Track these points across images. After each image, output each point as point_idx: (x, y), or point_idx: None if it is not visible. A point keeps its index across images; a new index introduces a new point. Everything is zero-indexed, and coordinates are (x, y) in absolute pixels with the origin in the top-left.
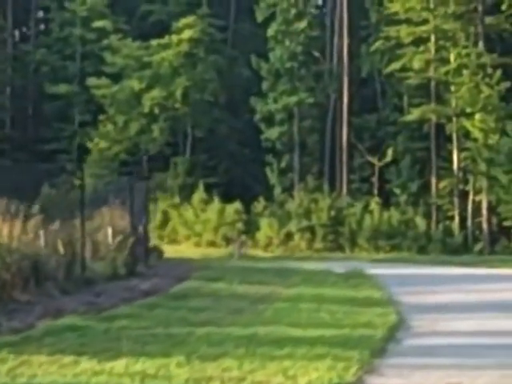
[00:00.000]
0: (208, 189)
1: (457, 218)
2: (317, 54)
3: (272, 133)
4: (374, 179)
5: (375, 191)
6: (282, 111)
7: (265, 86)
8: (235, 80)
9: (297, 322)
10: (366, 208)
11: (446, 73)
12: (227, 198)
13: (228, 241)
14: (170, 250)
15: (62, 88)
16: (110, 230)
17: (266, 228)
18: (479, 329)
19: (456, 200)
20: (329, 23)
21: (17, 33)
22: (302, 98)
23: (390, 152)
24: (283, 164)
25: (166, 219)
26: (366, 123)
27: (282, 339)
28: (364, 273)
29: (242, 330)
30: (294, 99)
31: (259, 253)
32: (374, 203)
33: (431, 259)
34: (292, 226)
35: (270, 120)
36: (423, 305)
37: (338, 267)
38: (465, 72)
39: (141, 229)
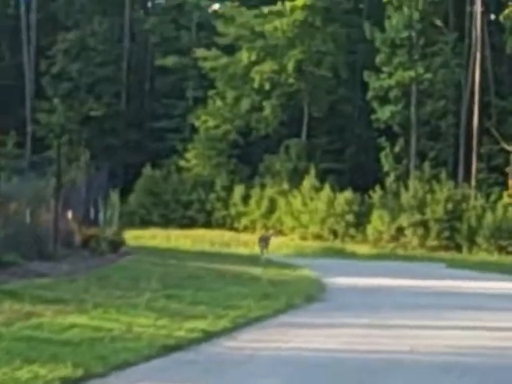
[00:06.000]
0: (323, 175)
1: None
2: (439, 22)
3: (384, 112)
4: (509, 169)
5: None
6: (397, 87)
7: (378, 58)
8: (359, 53)
9: None
10: (495, 202)
11: None
12: (345, 186)
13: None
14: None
15: (171, 60)
16: None
17: (376, 221)
18: None
19: None
20: None
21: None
22: (420, 73)
23: None
24: (397, 148)
25: (272, 207)
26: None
27: None
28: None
29: None
30: (410, 74)
31: (365, 249)
32: (508, 197)
33: None
34: (403, 220)
35: (383, 98)
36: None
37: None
38: None
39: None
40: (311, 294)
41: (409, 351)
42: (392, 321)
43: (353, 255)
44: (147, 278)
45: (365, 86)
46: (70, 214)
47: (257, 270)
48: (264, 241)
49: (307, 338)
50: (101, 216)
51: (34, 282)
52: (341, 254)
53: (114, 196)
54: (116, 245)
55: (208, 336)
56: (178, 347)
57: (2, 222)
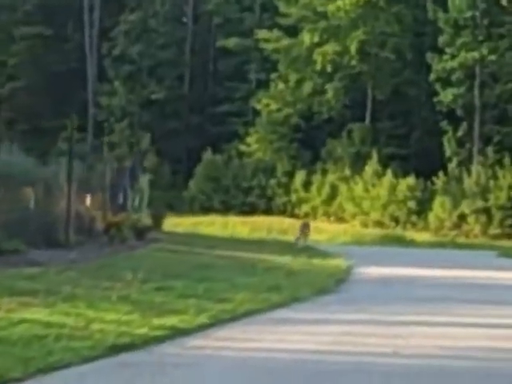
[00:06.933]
0: (386, 160)
1: None
2: (504, 2)
3: (446, 95)
4: None
5: None
6: (460, 69)
7: (441, 39)
8: (426, 35)
9: None
10: None
11: None
12: (409, 172)
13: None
14: (330, 230)
15: (233, 42)
16: None
17: (438, 208)
18: None
19: None
20: None
21: None
22: (485, 55)
23: None
24: (460, 132)
25: (333, 194)
26: None
27: None
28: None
29: None
30: (473, 55)
31: (426, 237)
32: None
33: None
34: (465, 207)
35: (446, 80)
36: None
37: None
38: None
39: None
40: (326, 286)
41: (391, 353)
42: (394, 316)
43: (412, 243)
44: (153, 267)
45: (430, 69)
46: (88, 200)
47: (285, 259)
48: (304, 228)
49: (284, 337)
50: (131, 201)
51: (20, 272)
52: (400, 241)
53: (144, 181)
54: (141, 231)
55: (174, 334)
56: (130, 347)
57: (5, 207)
